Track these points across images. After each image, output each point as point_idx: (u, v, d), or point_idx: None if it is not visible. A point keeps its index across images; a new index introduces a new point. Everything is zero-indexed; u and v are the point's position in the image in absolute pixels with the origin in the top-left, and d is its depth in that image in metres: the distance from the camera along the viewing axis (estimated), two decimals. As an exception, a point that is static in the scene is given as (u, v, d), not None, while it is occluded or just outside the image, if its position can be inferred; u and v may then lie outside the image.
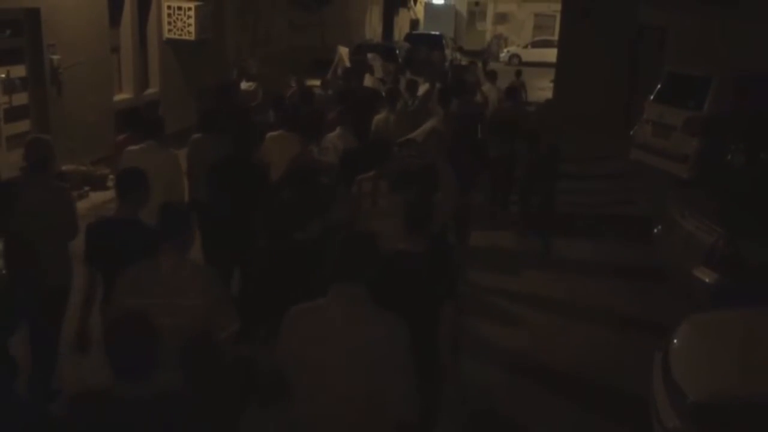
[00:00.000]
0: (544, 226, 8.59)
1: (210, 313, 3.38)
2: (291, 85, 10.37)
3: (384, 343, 2.83)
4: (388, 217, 4.12)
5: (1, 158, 8.57)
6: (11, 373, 2.86)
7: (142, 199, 4.05)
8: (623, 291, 7.36)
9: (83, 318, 4.06)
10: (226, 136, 5.73)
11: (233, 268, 5.37)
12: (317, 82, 10.91)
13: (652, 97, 11.44)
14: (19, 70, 9.07)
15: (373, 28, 26.84)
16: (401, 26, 30.84)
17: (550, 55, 23.36)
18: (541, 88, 19.97)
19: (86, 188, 9.26)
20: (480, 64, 16.25)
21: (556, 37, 23.66)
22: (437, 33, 25.70)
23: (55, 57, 9.26)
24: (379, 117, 7.76)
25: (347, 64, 13.21)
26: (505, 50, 36.16)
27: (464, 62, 19.36)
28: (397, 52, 18.94)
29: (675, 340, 4.72)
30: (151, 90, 12.04)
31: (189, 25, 11.99)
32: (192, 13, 11.95)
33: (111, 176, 9.52)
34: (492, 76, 12.53)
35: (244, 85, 10.77)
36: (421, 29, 32.56)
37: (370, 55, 14.97)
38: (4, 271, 3.86)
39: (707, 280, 6.14)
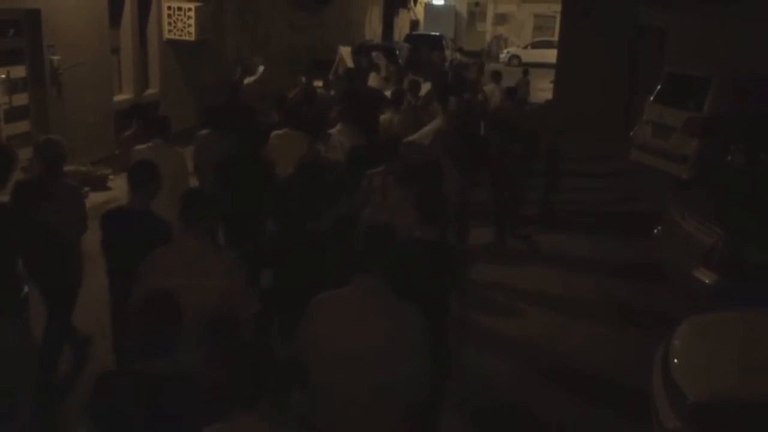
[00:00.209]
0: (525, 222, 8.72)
1: (232, 294, 3.50)
2: (299, 84, 10.43)
3: (402, 332, 2.98)
4: (397, 210, 4.24)
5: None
6: None
7: (154, 191, 4.24)
8: (623, 286, 7.42)
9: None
10: (232, 133, 5.85)
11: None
12: (320, 83, 10.98)
13: (651, 98, 11.45)
14: (20, 71, 9.08)
15: (373, 28, 26.83)
16: (401, 27, 30.83)
17: (550, 55, 23.37)
18: (541, 89, 19.99)
19: (86, 188, 9.25)
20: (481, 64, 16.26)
21: (555, 38, 23.67)
22: (437, 34, 25.70)
23: (56, 57, 9.27)
24: (384, 117, 7.87)
25: (348, 63, 13.23)
26: (505, 51, 36.18)
27: (466, 62, 19.40)
28: (398, 52, 18.95)
29: (674, 341, 4.72)
30: (151, 90, 12.05)
31: (189, 25, 12.00)
32: (192, 13, 11.96)
33: (111, 176, 9.54)
34: (496, 76, 12.58)
35: (247, 80, 10.80)
36: (421, 30, 32.57)
37: (374, 54, 15.00)
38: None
39: (707, 281, 6.14)
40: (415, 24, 34.36)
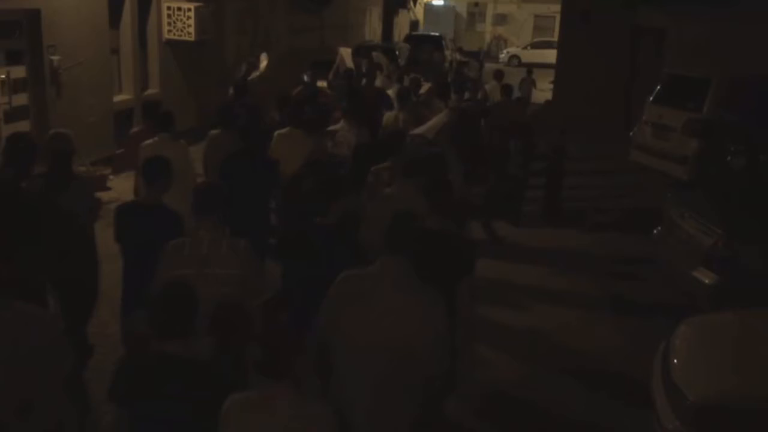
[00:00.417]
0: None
1: (246, 282, 3.72)
2: (302, 82, 10.53)
3: (424, 308, 3.21)
4: (402, 202, 4.35)
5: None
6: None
7: (167, 185, 4.43)
8: (623, 279, 7.59)
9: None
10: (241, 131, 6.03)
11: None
12: (323, 84, 11.30)
13: (651, 99, 11.46)
14: (20, 71, 9.08)
15: (372, 29, 26.83)
16: (401, 27, 30.84)
17: (550, 56, 23.37)
18: (541, 89, 20.03)
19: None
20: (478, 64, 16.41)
21: (555, 38, 23.67)
22: (437, 34, 25.71)
23: (55, 58, 9.26)
24: (389, 114, 8.03)
25: (348, 64, 13.28)
26: (505, 51, 36.21)
27: (467, 61, 19.54)
28: (397, 53, 18.98)
29: (674, 342, 4.73)
30: (151, 91, 12.05)
31: (189, 26, 12.00)
32: (192, 14, 11.96)
33: (111, 177, 9.54)
34: (498, 75, 12.74)
35: (251, 76, 10.85)
36: (421, 30, 32.58)
37: (374, 54, 15.10)
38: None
39: (706, 281, 6.15)
40: (414, 24, 34.37)
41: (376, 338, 3.15)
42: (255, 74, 10.96)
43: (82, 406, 3.00)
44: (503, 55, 35.19)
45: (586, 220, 9.30)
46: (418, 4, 34.50)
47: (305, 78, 10.74)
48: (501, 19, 40.43)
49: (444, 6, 39.51)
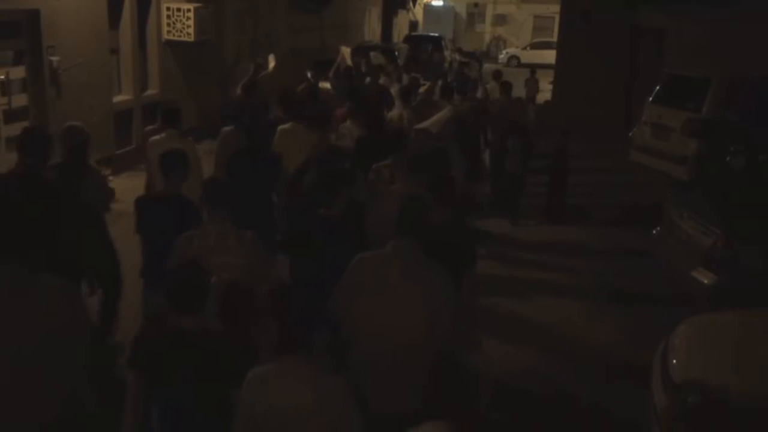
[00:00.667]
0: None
1: (252, 270, 3.99)
2: (308, 79, 10.63)
3: (436, 285, 3.48)
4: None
5: (1, 159, 8.58)
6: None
7: (184, 176, 4.67)
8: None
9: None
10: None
11: None
12: (326, 84, 11.40)
13: (650, 99, 11.46)
14: (19, 72, 9.08)
15: (372, 29, 26.83)
16: (400, 28, 30.84)
17: (549, 56, 23.36)
18: (541, 90, 20.08)
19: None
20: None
21: (554, 39, 23.67)
22: (436, 34, 25.72)
23: (55, 58, 9.26)
24: (393, 113, 8.12)
25: (348, 62, 13.38)
26: (504, 52, 36.19)
27: (467, 61, 19.65)
28: (396, 53, 19.01)
29: (673, 341, 4.73)
30: (151, 91, 12.04)
31: (188, 26, 11.99)
32: (191, 14, 11.95)
33: (111, 177, 9.54)
34: (497, 75, 12.83)
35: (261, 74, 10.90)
36: (421, 31, 32.59)
37: (372, 54, 15.19)
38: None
39: (706, 282, 6.16)
40: (414, 25, 34.38)
41: (391, 315, 3.40)
42: (265, 73, 11.01)
43: (101, 379, 3.21)
44: (503, 56, 35.18)
45: (595, 217, 9.57)
46: (417, 5, 34.49)
47: (309, 75, 10.88)
48: (500, 19, 40.44)
49: (443, 6, 39.53)
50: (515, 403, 5.20)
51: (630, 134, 11.95)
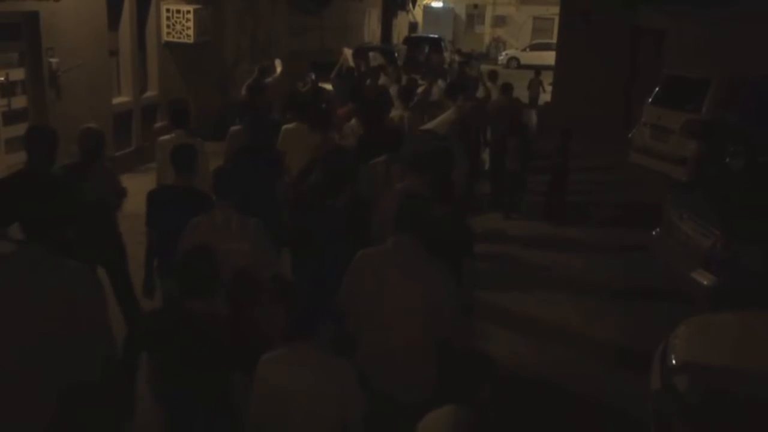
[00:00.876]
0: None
1: (256, 255, 4.16)
2: (307, 81, 10.73)
3: (437, 277, 3.62)
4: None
5: (1, 161, 8.58)
6: None
7: (195, 170, 4.94)
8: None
9: (148, 268, 4.91)
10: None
11: None
12: (328, 85, 11.59)
13: (650, 100, 11.45)
14: (18, 73, 9.08)
15: (371, 31, 26.84)
16: (400, 29, 30.85)
17: (549, 58, 23.35)
18: (545, 92, 20.13)
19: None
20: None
21: (554, 40, 23.66)
22: (436, 36, 25.74)
23: (54, 60, 9.26)
24: (394, 113, 8.21)
25: (350, 63, 13.46)
26: (504, 53, 36.20)
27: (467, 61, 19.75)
28: (396, 55, 19.04)
29: (673, 342, 4.72)
30: (150, 93, 12.05)
31: (188, 28, 11.99)
32: (191, 16, 11.95)
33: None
34: (493, 75, 12.88)
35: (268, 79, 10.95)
36: (420, 32, 32.60)
37: (371, 54, 15.26)
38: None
39: (705, 283, 6.15)
40: (413, 26, 34.39)
41: (393, 306, 3.57)
42: (273, 78, 11.10)
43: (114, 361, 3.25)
44: (502, 57, 35.19)
45: (594, 216, 9.73)
46: (417, 6, 34.51)
47: (312, 76, 11.08)
48: (500, 20, 40.46)
49: (443, 8, 39.55)
50: (513, 400, 5.18)
51: (629, 135, 11.95)
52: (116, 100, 11.04)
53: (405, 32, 31.13)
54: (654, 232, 7.36)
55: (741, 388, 4.18)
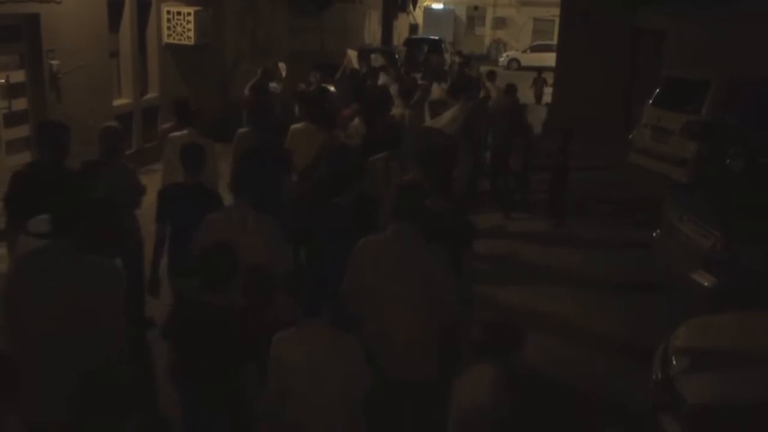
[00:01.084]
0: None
1: (269, 251, 4.25)
2: (312, 81, 10.80)
3: (435, 263, 3.73)
4: None
5: (1, 162, 8.59)
6: None
7: (203, 167, 5.03)
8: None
9: (155, 264, 4.98)
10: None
11: None
12: (332, 87, 11.70)
13: (650, 101, 11.45)
14: (19, 75, 9.09)
15: (372, 32, 26.85)
16: (400, 31, 30.86)
17: (549, 59, 23.34)
18: (546, 92, 20.22)
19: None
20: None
21: (554, 42, 23.66)
22: (436, 37, 25.76)
23: (55, 62, 9.27)
24: (395, 111, 8.33)
25: (355, 65, 13.50)
26: (504, 54, 36.21)
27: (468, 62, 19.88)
28: (396, 56, 19.08)
29: (674, 343, 4.72)
30: (151, 95, 12.06)
31: (188, 30, 12.00)
32: (191, 18, 11.96)
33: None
34: (491, 76, 12.93)
35: (272, 85, 11.01)
36: (421, 34, 32.62)
37: (372, 56, 15.35)
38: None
39: (705, 284, 6.15)
40: (414, 28, 34.39)
41: (394, 293, 3.67)
42: (278, 82, 11.25)
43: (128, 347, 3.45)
44: (503, 59, 35.19)
45: (593, 212, 9.88)
46: (417, 8, 34.52)
47: (318, 75, 11.15)
48: (500, 22, 40.46)
49: (443, 9, 39.56)
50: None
51: (630, 137, 11.94)
52: (117, 102, 11.05)
53: (405, 34, 31.15)
54: (654, 234, 7.36)
55: (741, 388, 4.18)
